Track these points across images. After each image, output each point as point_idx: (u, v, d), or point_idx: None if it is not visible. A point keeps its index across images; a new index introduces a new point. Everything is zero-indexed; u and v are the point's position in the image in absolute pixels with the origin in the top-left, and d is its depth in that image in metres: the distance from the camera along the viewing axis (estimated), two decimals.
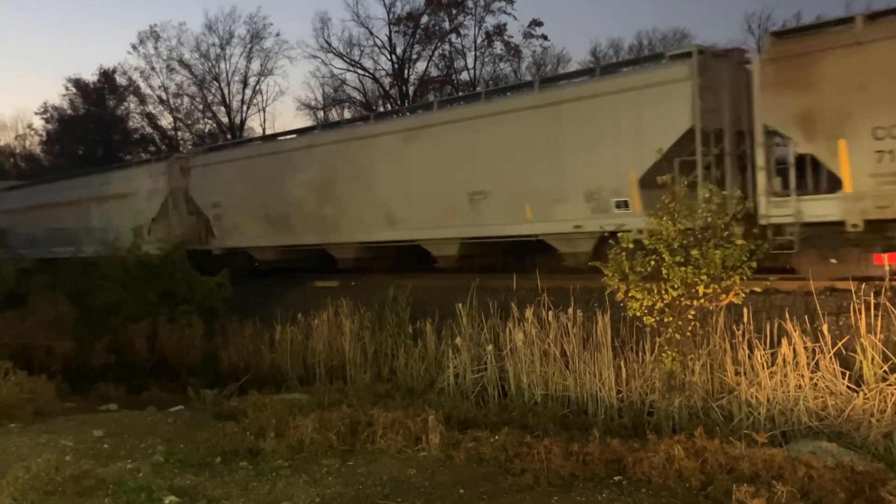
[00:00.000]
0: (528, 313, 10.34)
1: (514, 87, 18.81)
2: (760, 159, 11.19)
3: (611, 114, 12.67)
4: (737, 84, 12.05)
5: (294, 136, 20.15)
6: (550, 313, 10.20)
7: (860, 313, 8.48)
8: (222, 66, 44.41)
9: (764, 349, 8.61)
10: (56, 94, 58.55)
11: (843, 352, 8.50)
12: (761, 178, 11.16)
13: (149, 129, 47.37)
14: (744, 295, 8.70)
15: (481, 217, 14.68)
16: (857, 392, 8.11)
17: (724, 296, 8.65)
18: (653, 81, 12.35)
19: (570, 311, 10.05)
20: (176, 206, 22.00)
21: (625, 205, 12.56)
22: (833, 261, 10.96)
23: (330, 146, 17.88)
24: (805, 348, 8.44)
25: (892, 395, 7.89)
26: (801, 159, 11.14)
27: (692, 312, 8.67)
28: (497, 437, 7.41)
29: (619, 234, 8.98)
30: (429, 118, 16.17)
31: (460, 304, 11.28)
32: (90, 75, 47.34)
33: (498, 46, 40.23)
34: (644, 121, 12.22)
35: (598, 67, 14.35)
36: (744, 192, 11.32)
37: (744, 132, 12.06)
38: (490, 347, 10.63)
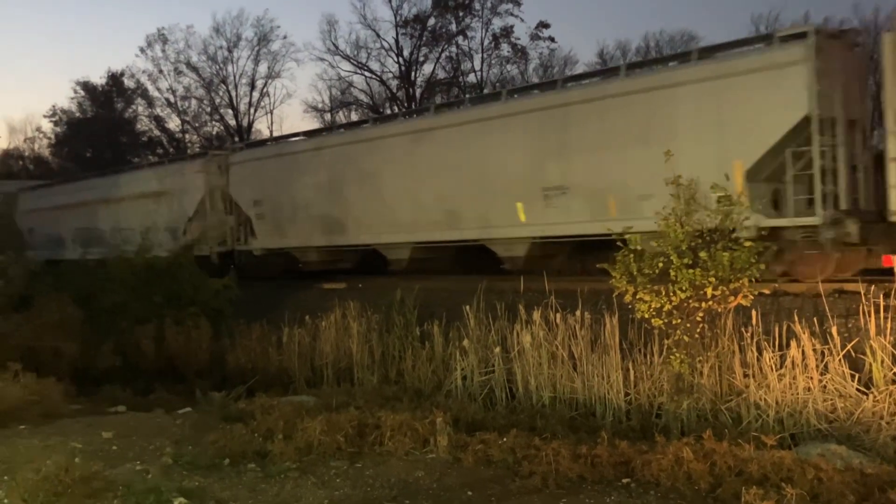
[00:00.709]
0: (536, 315, 10.33)
1: (589, 74, 17.42)
2: (893, 149, 10.19)
3: (713, 101, 11.70)
4: (850, 68, 11.17)
5: (344, 130, 19.47)
6: (558, 315, 10.18)
7: (870, 315, 8.44)
8: (230, 68, 44.66)
9: (773, 351, 8.57)
10: (65, 96, 58.92)
11: (853, 354, 8.46)
12: (892, 169, 10.14)
13: (156, 132, 47.65)
14: (752, 297, 8.66)
15: (556, 214, 13.64)
16: (867, 394, 8.06)
17: (732, 298, 8.62)
18: (763, 65, 11.31)
19: (578, 313, 10.03)
20: (213, 206, 21.26)
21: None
22: None
23: (385, 140, 17.05)
24: (814, 350, 8.39)
25: None
26: None
27: (700, 314, 8.65)
28: (505, 439, 7.41)
29: (627, 237, 8.96)
30: (497, 109, 15.14)
31: (467, 306, 11.27)
32: (98, 78, 47.68)
33: (505, 48, 40.28)
34: (752, 108, 11.25)
35: (696, 51, 13.07)
36: (853, 188, 10.80)
37: (855, 122, 11.19)
38: (498, 349, 10.61)
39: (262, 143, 24.67)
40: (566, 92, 14.28)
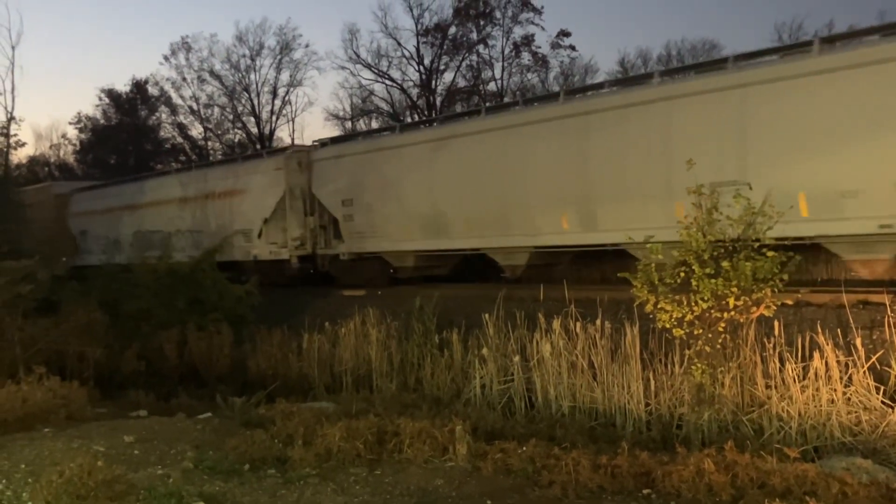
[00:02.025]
0: (556, 324, 10.29)
1: (776, 49, 13.49)
2: None
3: None
4: None
5: (455, 121, 17.59)
6: (578, 324, 10.14)
7: (894, 327, 8.33)
8: (252, 76, 44.92)
9: (795, 363, 8.49)
10: (90, 104, 59.80)
11: (878, 366, 8.36)
12: None
13: (179, 139, 48.04)
14: (775, 307, 8.59)
15: (732, 214, 11.72)
16: (892, 408, 7.95)
17: (754, 308, 8.55)
18: None
19: (598, 322, 9.99)
20: (293, 206, 19.57)
21: None
22: None
23: (500, 132, 15.30)
24: (838, 362, 8.29)
25: None
26: None
27: (722, 325, 8.58)
28: (524, 448, 7.39)
29: (648, 245, 8.91)
30: (655, 91, 13.04)
31: (487, 315, 11.26)
32: (123, 86, 48.00)
33: (525, 57, 40.22)
34: None
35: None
36: None
37: None
38: (517, 358, 10.58)
39: (351, 137, 22.89)
40: (738, 72, 11.99)
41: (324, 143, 20.33)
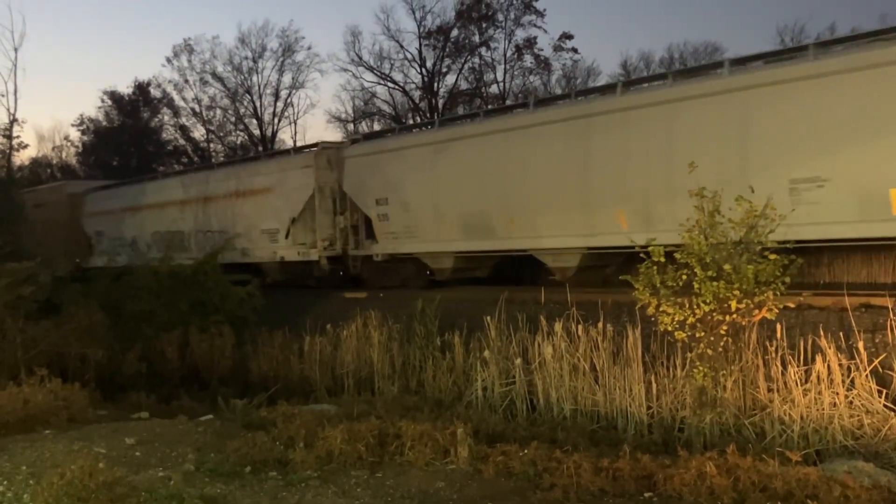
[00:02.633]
0: (558, 327, 10.29)
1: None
2: None
3: None
4: None
5: (502, 116, 16.37)
6: (580, 327, 10.13)
7: None
8: (254, 79, 45.07)
9: (797, 366, 8.47)
10: (92, 106, 59.88)
11: (880, 370, 8.34)
12: None
13: (181, 141, 48.16)
14: (777, 310, 8.57)
15: (809, 213, 10.63)
16: (895, 411, 7.94)
17: (756, 311, 8.54)
18: None
19: (600, 325, 9.99)
20: (323, 205, 18.64)
21: None
22: None
23: (554, 126, 14.29)
24: (840, 365, 8.28)
25: None
26: None
27: (724, 328, 8.57)
28: (526, 451, 7.37)
29: (650, 248, 8.90)
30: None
31: (488, 317, 11.26)
32: (125, 88, 48.27)
33: (528, 59, 40.33)
34: None
35: None
36: None
37: None
38: (519, 361, 10.58)
39: (388, 132, 21.74)
40: (846, 56, 10.93)
41: (354, 140, 19.43)
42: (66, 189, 30.16)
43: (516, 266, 16.88)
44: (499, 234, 15.24)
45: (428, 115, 40.18)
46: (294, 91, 45.83)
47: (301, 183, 18.97)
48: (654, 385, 9.30)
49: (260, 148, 42.52)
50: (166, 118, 48.16)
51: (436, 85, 41.47)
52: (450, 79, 41.60)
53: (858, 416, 8.06)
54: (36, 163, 49.81)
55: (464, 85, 41.47)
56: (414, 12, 40.15)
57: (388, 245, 17.54)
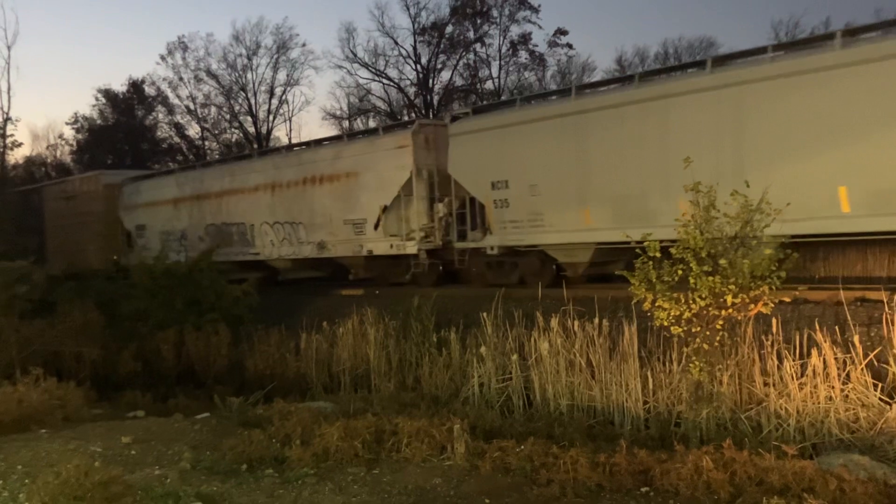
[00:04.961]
0: (554, 322, 10.29)
1: None
2: None
3: None
4: None
5: (673, 77, 13.44)
6: (576, 323, 10.13)
7: (892, 324, 8.33)
8: (249, 76, 44.94)
9: (793, 360, 8.49)
10: (86, 104, 59.65)
11: (875, 363, 8.35)
12: None
13: (176, 139, 48.00)
14: (773, 305, 8.58)
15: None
16: (890, 404, 7.95)
17: (752, 306, 8.54)
18: None
19: (596, 320, 9.99)
20: (420, 191, 16.27)
21: None
22: None
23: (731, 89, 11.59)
24: (835, 359, 8.29)
25: None
26: None
27: (720, 322, 8.57)
28: (523, 447, 7.38)
29: (645, 243, 8.89)
30: None
31: (485, 314, 11.25)
32: (120, 86, 48.01)
33: (522, 55, 40.33)
34: None
35: None
36: None
37: None
38: (515, 357, 10.57)
39: (500, 105, 18.69)
40: None
41: (456, 117, 16.46)
42: (102, 179, 26.78)
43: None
44: (660, 221, 11.39)
45: (423, 111, 40.14)
46: (289, 88, 45.79)
47: (395, 165, 16.46)
48: (650, 380, 9.30)
49: (255, 145, 42.39)
50: (161, 116, 48.01)
51: (431, 81, 41.49)
52: (445, 75, 41.65)
53: (854, 409, 8.07)
54: (30, 161, 49.62)
55: (459, 81, 41.50)
56: (409, 8, 40.18)
57: (507, 236, 14.97)
